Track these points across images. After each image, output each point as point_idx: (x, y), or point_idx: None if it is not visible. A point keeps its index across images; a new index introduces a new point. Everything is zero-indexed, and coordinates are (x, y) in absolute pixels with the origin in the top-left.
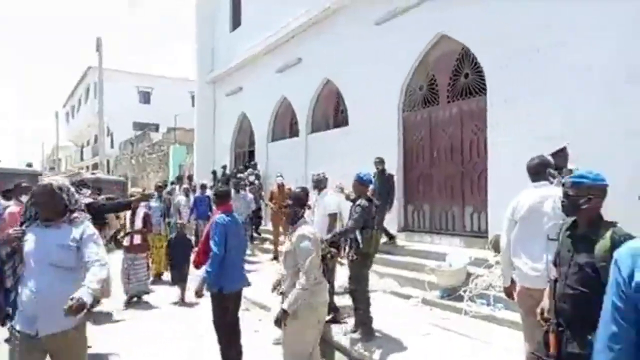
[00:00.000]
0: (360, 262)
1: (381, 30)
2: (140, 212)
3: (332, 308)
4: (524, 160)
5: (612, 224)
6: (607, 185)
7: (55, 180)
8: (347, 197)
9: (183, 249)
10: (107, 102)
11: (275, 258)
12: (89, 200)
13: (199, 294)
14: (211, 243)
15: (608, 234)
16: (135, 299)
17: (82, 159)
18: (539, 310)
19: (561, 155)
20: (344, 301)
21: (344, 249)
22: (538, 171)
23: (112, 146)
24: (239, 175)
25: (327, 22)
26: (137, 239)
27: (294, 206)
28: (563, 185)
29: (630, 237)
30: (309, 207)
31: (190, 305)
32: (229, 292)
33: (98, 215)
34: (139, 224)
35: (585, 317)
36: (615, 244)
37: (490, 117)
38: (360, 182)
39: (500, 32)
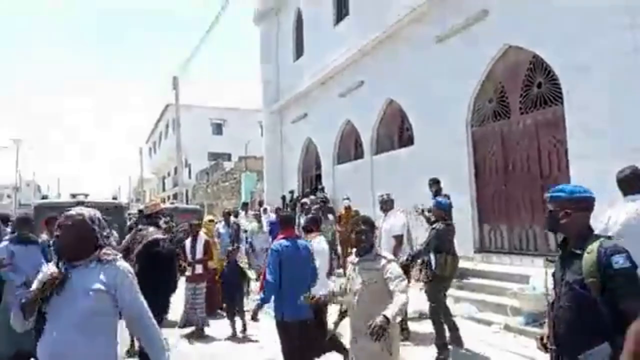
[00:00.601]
0: (435, 286)
1: (443, 46)
2: (202, 239)
3: (403, 328)
4: (610, 171)
5: (601, 237)
6: (587, 199)
7: (86, 210)
8: (428, 220)
9: (234, 279)
10: (184, 135)
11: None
12: (157, 236)
13: (254, 317)
14: (266, 270)
15: (594, 246)
16: (191, 329)
17: (163, 190)
18: (539, 336)
19: None
20: (417, 327)
21: (419, 271)
22: (631, 184)
23: (189, 176)
24: (304, 200)
25: (387, 43)
26: (199, 269)
27: (368, 232)
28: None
29: (616, 249)
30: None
31: (247, 339)
32: (290, 320)
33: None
34: (199, 251)
35: (577, 336)
36: (601, 257)
37: (570, 127)
38: (439, 207)
39: (574, 35)
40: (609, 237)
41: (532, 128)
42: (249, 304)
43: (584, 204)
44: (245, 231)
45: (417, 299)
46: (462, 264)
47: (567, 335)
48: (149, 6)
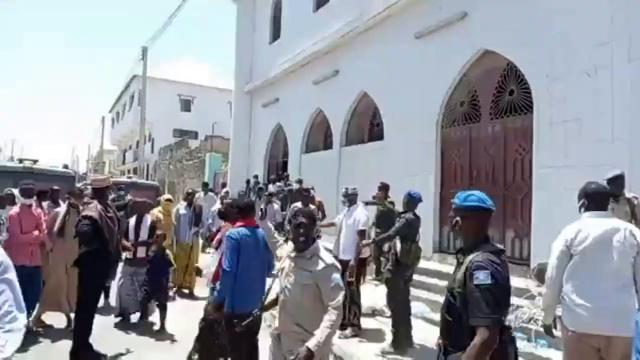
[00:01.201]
0: (397, 274)
1: (421, 44)
2: (147, 219)
3: (354, 324)
4: (573, 186)
5: (488, 247)
6: (478, 208)
7: None
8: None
9: (160, 268)
10: (150, 109)
11: None
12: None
13: (217, 312)
14: (222, 258)
15: (471, 257)
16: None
17: (124, 163)
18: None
19: (617, 182)
20: (370, 323)
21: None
22: (599, 199)
23: (152, 151)
24: (263, 186)
25: (366, 35)
26: (141, 252)
27: (308, 226)
28: None
29: (481, 264)
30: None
31: (169, 337)
32: (240, 312)
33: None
34: (144, 233)
35: (444, 340)
36: (468, 269)
37: (537, 138)
38: (411, 198)
39: (550, 49)
40: (500, 250)
41: (500, 135)
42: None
43: (475, 213)
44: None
45: (371, 295)
46: (420, 263)
47: (440, 337)
48: None
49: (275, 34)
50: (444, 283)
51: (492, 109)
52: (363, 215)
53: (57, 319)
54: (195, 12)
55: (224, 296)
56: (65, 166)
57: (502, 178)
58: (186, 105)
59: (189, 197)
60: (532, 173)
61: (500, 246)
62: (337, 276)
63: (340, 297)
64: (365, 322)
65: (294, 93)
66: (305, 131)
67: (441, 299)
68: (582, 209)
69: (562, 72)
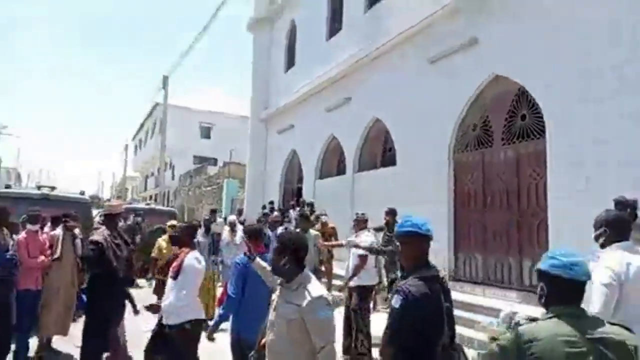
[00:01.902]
0: None
1: (433, 69)
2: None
3: (367, 355)
4: (589, 213)
5: (422, 272)
6: (414, 233)
7: None
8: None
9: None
10: (170, 136)
11: None
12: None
13: (210, 337)
14: (228, 285)
15: (401, 282)
16: None
17: (146, 189)
18: None
19: (631, 211)
20: None
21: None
22: (621, 228)
23: (172, 178)
24: (268, 212)
25: (377, 62)
26: None
27: (288, 253)
28: None
29: (399, 288)
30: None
31: None
32: (245, 338)
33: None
34: None
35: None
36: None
37: (551, 163)
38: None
39: (561, 74)
40: (433, 277)
41: (513, 160)
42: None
43: (411, 238)
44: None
45: (383, 324)
46: None
47: None
48: (145, 5)
49: (290, 62)
50: (458, 313)
51: (505, 134)
52: (367, 240)
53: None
54: (215, 41)
55: (222, 321)
56: (82, 192)
57: (516, 204)
58: (206, 132)
59: (207, 223)
60: (547, 199)
61: (436, 272)
62: (326, 312)
63: (332, 337)
64: (377, 353)
65: (308, 120)
66: (319, 157)
67: (457, 329)
68: (601, 239)
69: (576, 96)
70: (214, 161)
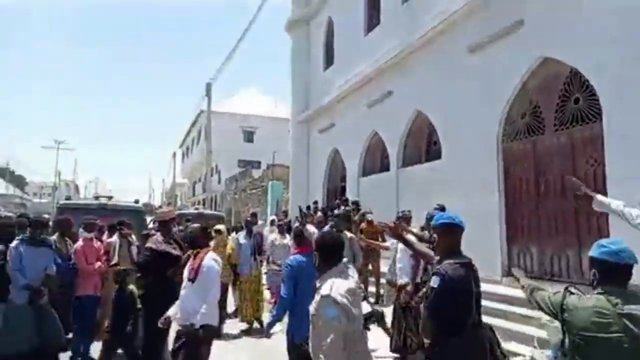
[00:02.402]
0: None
1: (475, 58)
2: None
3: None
4: None
5: (454, 258)
6: (445, 224)
7: None
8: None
9: (123, 307)
10: (215, 142)
11: (364, 298)
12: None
13: (267, 335)
14: (281, 286)
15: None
16: None
17: (194, 195)
18: None
19: None
20: None
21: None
22: None
23: (219, 182)
24: (306, 213)
25: (417, 54)
26: None
27: (315, 253)
28: None
29: (437, 271)
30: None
31: None
32: (300, 341)
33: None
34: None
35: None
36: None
37: (609, 147)
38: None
39: (614, 50)
40: (463, 263)
41: (567, 146)
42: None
43: (443, 229)
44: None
45: None
46: (486, 287)
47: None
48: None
49: (329, 61)
50: (514, 309)
51: (557, 120)
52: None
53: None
54: (255, 45)
55: (276, 321)
56: (136, 201)
57: (572, 193)
58: (249, 136)
59: (249, 225)
60: (606, 185)
61: (468, 259)
62: (329, 311)
63: (329, 339)
64: None
65: (349, 117)
66: (361, 154)
67: (513, 326)
68: None
69: (634, 75)
70: (258, 164)
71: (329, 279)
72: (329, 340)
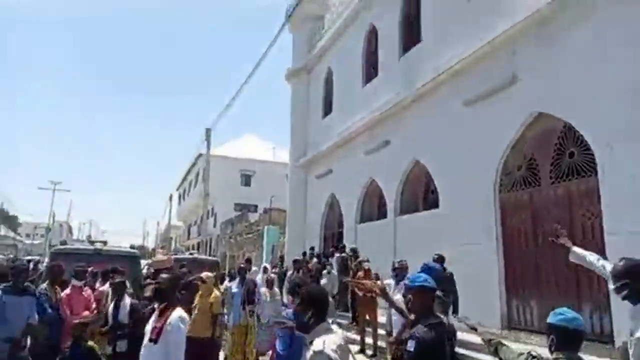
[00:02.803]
0: None
1: (472, 110)
2: (126, 301)
3: None
4: None
5: (429, 320)
6: (418, 287)
7: None
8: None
9: None
10: (213, 185)
11: (362, 351)
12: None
13: None
14: (276, 342)
15: (412, 329)
16: None
17: (189, 238)
18: None
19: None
20: None
21: None
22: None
23: (214, 225)
24: (296, 258)
25: (415, 105)
26: (122, 345)
27: (305, 309)
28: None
29: (413, 335)
30: None
31: None
32: None
33: None
34: (122, 317)
35: None
36: (407, 338)
37: (606, 201)
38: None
39: (610, 107)
40: (438, 324)
41: (564, 198)
42: None
43: (417, 291)
44: None
45: None
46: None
47: None
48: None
49: (327, 109)
50: None
51: (552, 172)
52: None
53: None
54: (253, 92)
55: None
56: (132, 246)
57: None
58: (246, 180)
59: (242, 272)
60: (604, 238)
61: (440, 319)
62: None
63: None
64: None
65: (347, 164)
66: (359, 201)
67: None
68: (624, 291)
69: (629, 130)
70: (255, 208)
71: (319, 335)
72: None
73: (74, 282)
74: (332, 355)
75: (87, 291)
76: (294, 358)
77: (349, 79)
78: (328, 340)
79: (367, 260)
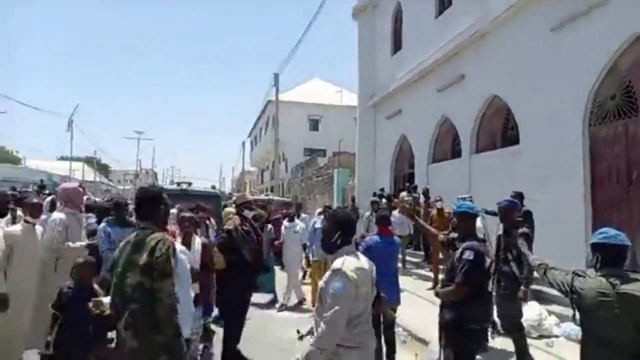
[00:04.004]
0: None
1: (557, 37)
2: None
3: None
4: None
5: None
6: (463, 213)
7: None
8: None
9: (82, 305)
10: (282, 131)
11: (435, 287)
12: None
13: None
14: None
15: (463, 244)
16: None
17: (262, 182)
18: None
19: None
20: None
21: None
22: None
23: (286, 170)
24: (374, 199)
25: (492, 35)
26: None
27: (330, 232)
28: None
29: (469, 247)
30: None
31: None
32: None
33: None
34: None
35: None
36: (462, 249)
37: None
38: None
39: None
40: (483, 240)
41: None
42: None
43: (463, 216)
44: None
45: None
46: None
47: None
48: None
49: (397, 46)
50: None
51: None
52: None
53: None
54: (322, 34)
55: None
56: (213, 187)
57: None
58: (314, 125)
59: (327, 211)
60: None
61: (482, 238)
62: (336, 284)
63: (333, 310)
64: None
65: (417, 103)
66: (430, 141)
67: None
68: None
69: None
70: (323, 152)
71: (341, 255)
72: (332, 311)
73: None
74: (350, 274)
75: (172, 227)
76: None
77: (419, 11)
78: (348, 260)
79: (440, 200)
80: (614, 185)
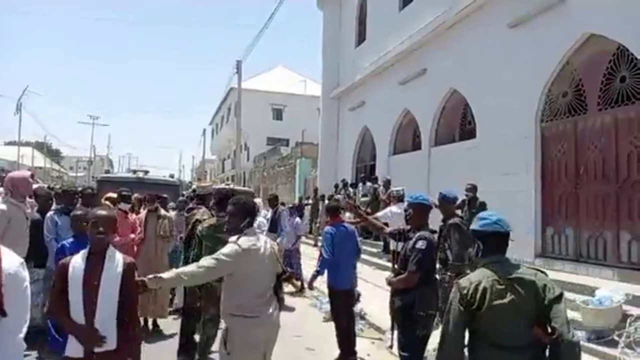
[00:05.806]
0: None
1: (515, 34)
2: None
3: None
4: None
5: (427, 229)
6: (418, 204)
7: None
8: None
9: None
10: (245, 119)
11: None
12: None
13: (310, 286)
14: (321, 249)
15: (417, 234)
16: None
17: (223, 171)
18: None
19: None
20: None
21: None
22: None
23: (247, 159)
24: (337, 196)
25: (454, 30)
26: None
27: (234, 217)
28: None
29: (422, 237)
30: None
31: None
32: (337, 289)
33: None
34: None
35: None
36: (415, 239)
37: None
38: (446, 201)
39: None
40: (433, 231)
41: (611, 126)
42: None
43: (418, 206)
44: None
45: None
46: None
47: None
48: None
49: (361, 37)
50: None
51: (601, 99)
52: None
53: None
54: (286, 23)
55: (318, 275)
56: (172, 176)
57: (614, 174)
58: (278, 114)
59: (273, 202)
60: None
61: (433, 229)
62: (224, 249)
63: (210, 257)
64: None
65: (380, 95)
66: (392, 133)
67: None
68: None
69: None
70: (287, 142)
71: (246, 236)
72: (211, 257)
73: (121, 205)
74: (244, 245)
75: (132, 216)
76: (334, 262)
77: (384, 3)
78: (244, 238)
79: (401, 190)
80: (563, 179)
